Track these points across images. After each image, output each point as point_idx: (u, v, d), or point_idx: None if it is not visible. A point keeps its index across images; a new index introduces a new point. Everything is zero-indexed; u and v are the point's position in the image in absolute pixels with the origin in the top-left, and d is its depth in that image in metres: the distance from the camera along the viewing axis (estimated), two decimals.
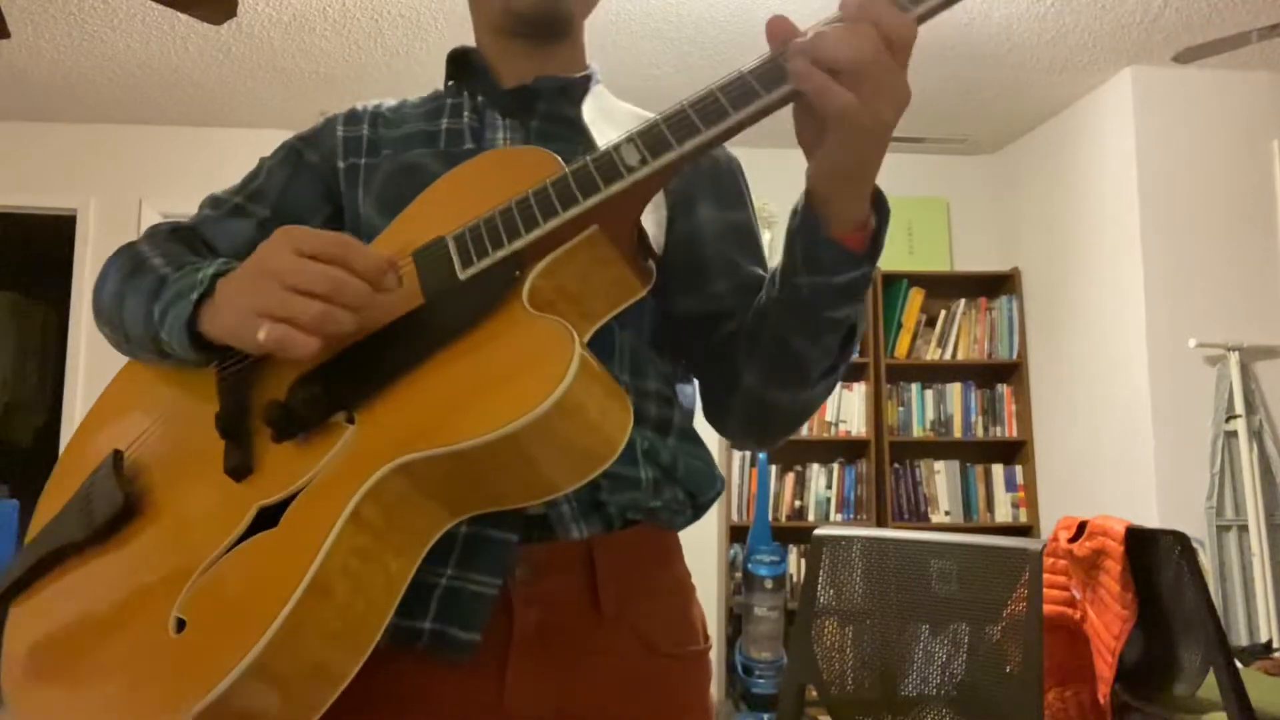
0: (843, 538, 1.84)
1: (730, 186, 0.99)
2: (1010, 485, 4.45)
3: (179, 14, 2.76)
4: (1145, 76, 3.79)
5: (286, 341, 0.68)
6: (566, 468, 0.69)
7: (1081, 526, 1.95)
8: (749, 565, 3.83)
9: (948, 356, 4.49)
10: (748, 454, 4.31)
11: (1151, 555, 1.83)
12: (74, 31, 3.57)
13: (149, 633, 0.70)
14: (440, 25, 3.50)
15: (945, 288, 4.55)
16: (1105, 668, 1.84)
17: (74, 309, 4.34)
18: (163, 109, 4.29)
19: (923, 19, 0.68)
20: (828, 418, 4.38)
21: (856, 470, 4.39)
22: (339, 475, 0.69)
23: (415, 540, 0.70)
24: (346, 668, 0.66)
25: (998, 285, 4.58)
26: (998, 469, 4.47)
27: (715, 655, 4.27)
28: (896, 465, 4.41)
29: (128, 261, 0.92)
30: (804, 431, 4.37)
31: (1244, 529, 3.48)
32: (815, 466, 4.38)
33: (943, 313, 4.52)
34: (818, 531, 1.87)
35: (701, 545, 4.37)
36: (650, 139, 0.71)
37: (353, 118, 0.99)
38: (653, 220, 0.87)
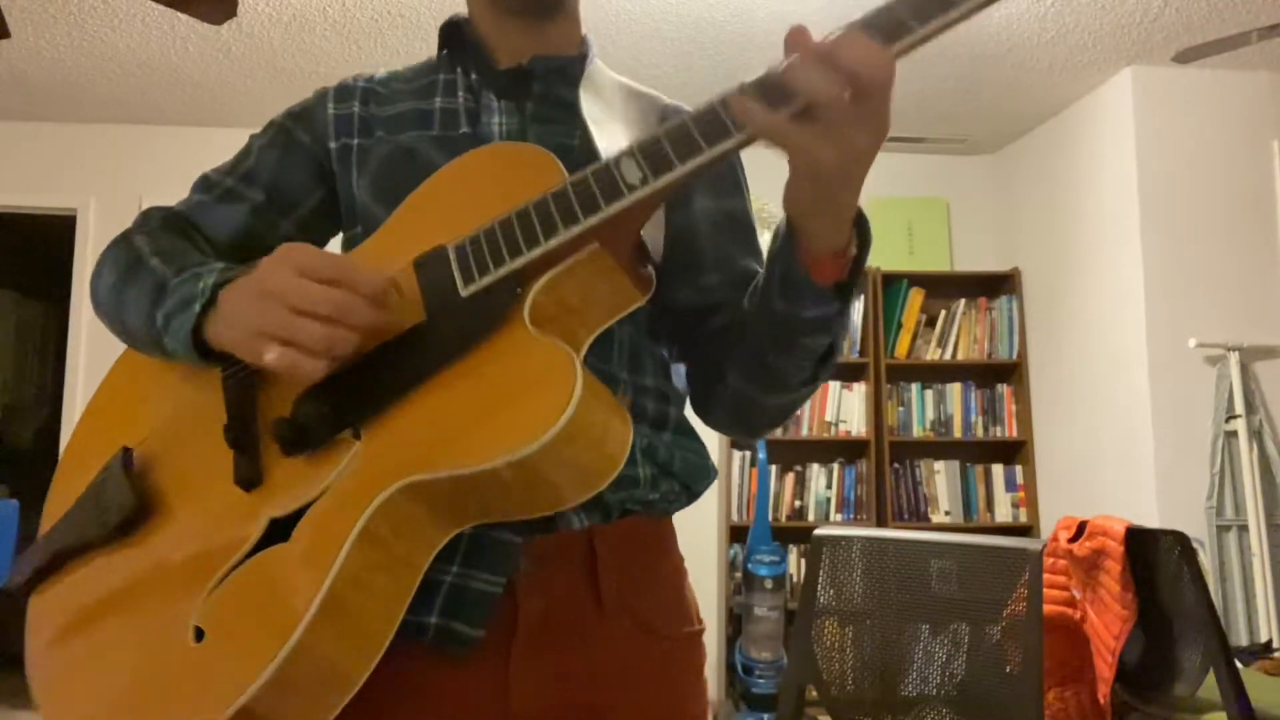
0: (843, 538, 1.84)
1: (727, 174, 0.98)
2: (1010, 485, 4.45)
3: (179, 14, 2.76)
4: (1145, 76, 3.79)
5: (294, 365, 0.70)
6: (570, 486, 0.71)
7: (1081, 526, 1.95)
8: (749, 565, 3.83)
9: (948, 356, 4.49)
10: (748, 454, 4.31)
11: (1151, 555, 1.83)
12: (74, 31, 3.57)
13: (169, 639, 0.72)
14: (440, 25, 3.50)
15: (945, 288, 4.55)
16: (1105, 668, 1.84)
17: (74, 309, 4.34)
18: (163, 109, 4.29)
19: (901, 54, 0.66)
20: (828, 418, 4.38)
21: (856, 470, 4.39)
22: (348, 492, 0.71)
23: (422, 549, 0.72)
24: (359, 671, 0.69)
25: (998, 285, 4.58)
26: (998, 469, 4.47)
27: (715, 655, 4.27)
28: (896, 465, 4.41)
29: (124, 256, 0.91)
30: (804, 431, 4.37)
31: (1244, 529, 3.48)
32: (815, 466, 4.38)
33: (943, 313, 4.52)
34: (818, 531, 1.87)
35: (701, 545, 4.36)
36: (652, 155, 0.69)
37: (344, 93, 0.97)
38: (650, 221, 0.87)
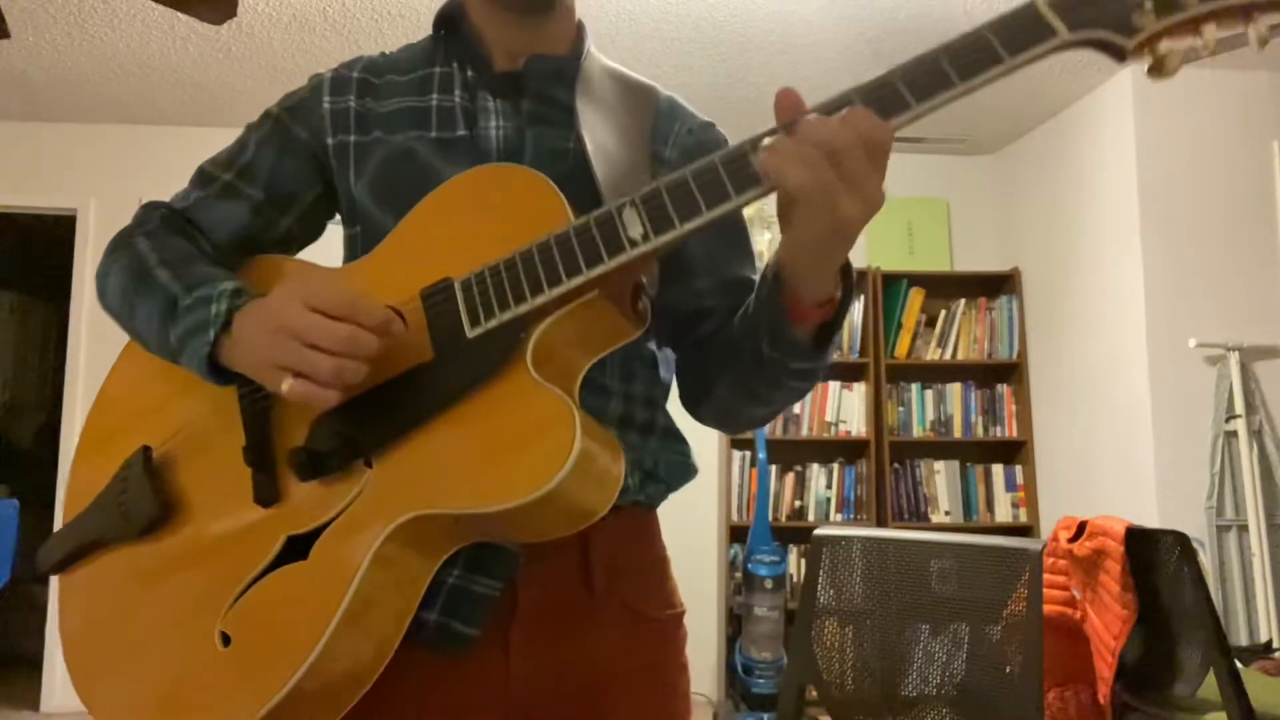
0: (843, 538, 1.84)
1: None
2: (1010, 485, 4.45)
3: (179, 14, 2.76)
4: (1145, 76, 3.78)
5: (309, 397, 0.75)
6: (565, 521, 0.77)
7: (1081, 526, 1.95)
8: (749, 565, 3.83)
9: (948, 356, 4.49)
10: (747, 454, 4.31)
11: (1151, 555, 1.83)
12: (74, 31, 3.57)
13: (197, 642, 0.80)
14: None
15: (945, 288, 4.55)
16: (1105, 668, 1.84)
17: (74, 309, 4.34)
18: (163, 109, 4.29)
19: (899, 127, 0.70)
20: (828, 418, 4.38)
21: (856, 470, 4.39)
22: (361, 519, 0.77)
23: (428, 565, 0.79)
24: (371, 673, 0.77)
25: (998, 285, 4.58)
26: (998, 469, 4.47)
27: (715, 655, 4.27)
28: (896, 465, 4.41)
29: (130, 264, 0.92)
30: (804, 431, 4.37)
31: (1244, 529, 3.48)
32: (815, 466, 4.38)
33: (943, 313, 4.52)
34: (818, 531, 1.87)
35: (701, 545, 4.36)
36: (654, 212, 0.73)
37: (339, 85, 0.97)
38: None
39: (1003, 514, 4.42)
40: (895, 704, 1.74)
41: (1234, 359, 3.56)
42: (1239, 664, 1.82)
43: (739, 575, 4.00)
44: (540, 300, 0.75)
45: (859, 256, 4.51)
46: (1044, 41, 0.68)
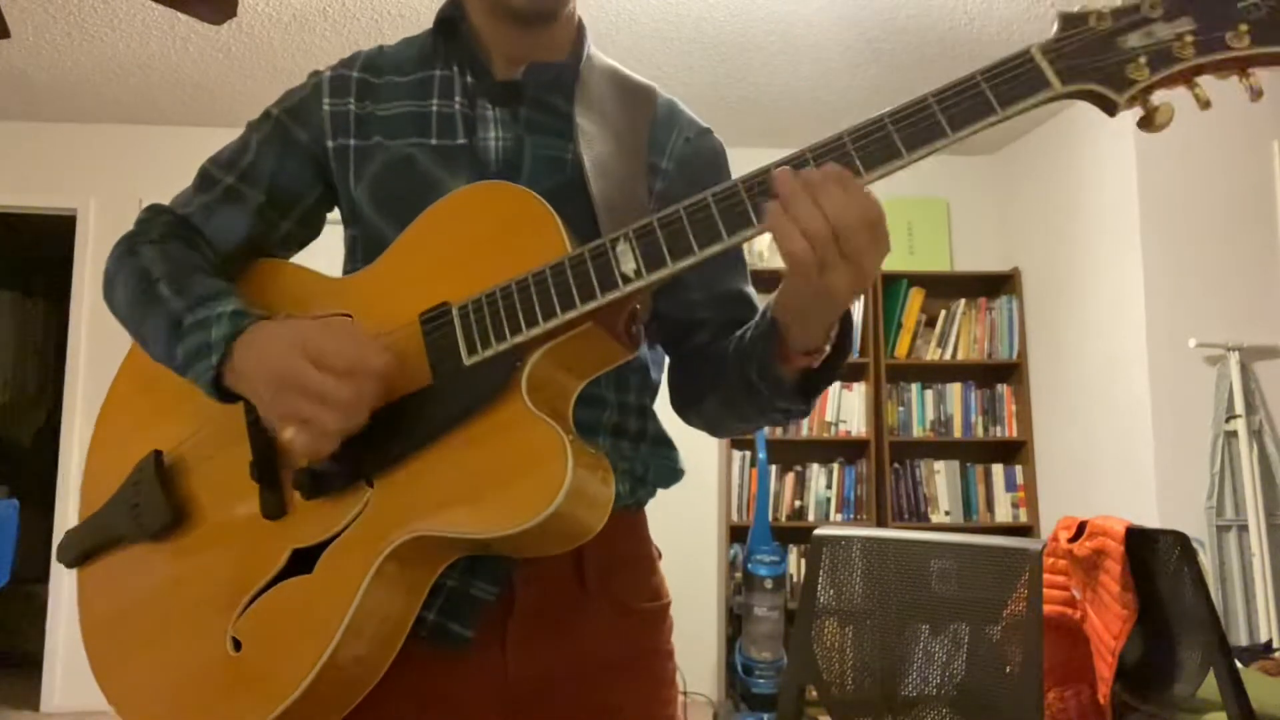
0: (843, 538, 1.84)
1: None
2: (1010, 485, 4.45)
3: (179, 14, 2.76)
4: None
5: (311, 448, 0.78)
6: (557, 543, 0.81)
7: (1081, 526, 1.95)
8: (749, 565, 3.83)
9: (948, 356, 4.49)
10: (747, 454, 4.31)
11: (1151, 555, 1.83)
12: (74, 31, 3.57)
13: (209, 644, 0.84)
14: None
15: (945, 288, 4.55)
16: (1105, 668, 1.84)
17: (74, 309, 4.33)
18: (163, 109, 4.29)
19: (875, 180, 0.74)
20: (828, 418, 4.38)
21: (856, 470, 4.39)
22: (363, 536, 0.81)
23: (426, 578, 0.83)
24: (374, 676, 0.82)
25: (998, 285, 4.58)
26: (998, 469, 4.46)
27: (715, 655, 4.27)
28: (896, 465, 4.41)
29: (134, 276, 0.93)
30: (804, 431, 4.37)
31: (1244, 529, 3.48)
32: (815, 466, 4.38)
33: (943, 313, 4.52)
34: (818, 531, 1.87)
35: (701, 545, 4.36)
36: (647, 248, 0.75)
37: (338, 86, 0.97)
38: None
39: (1003, 514, 4.42)
40: (895, 704, 1.74)
41: (1234, 359, 3.56)
42: (1239, 664, 1.82)
43: (739, 575, 4.00)
44: (535, 332, 0.78)
45: None
46: (1037, 94, 0.70)
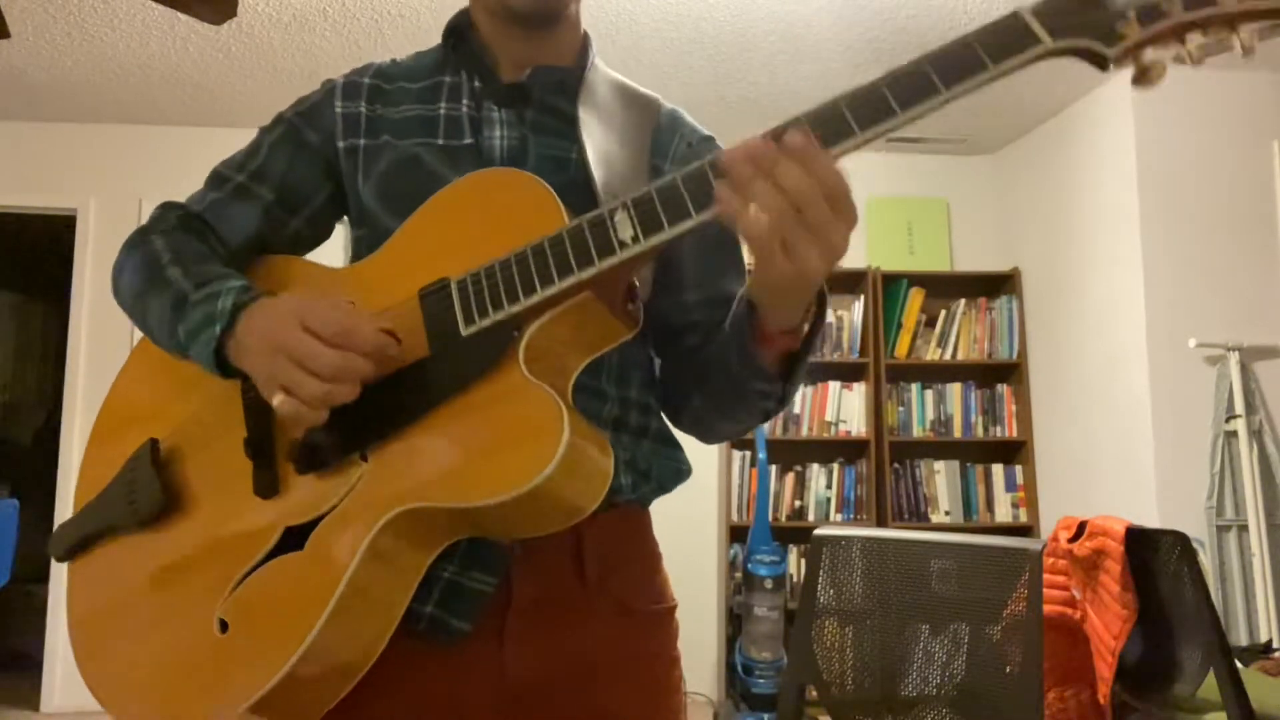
0: (843, 538, 1.84)
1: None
2: (1010, 485, 4.45)
3: (179, 14, 2.76)
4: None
5: (297, 415, 0.78)
6: (554, 518, 0.79)
7: (1081, 526, 1.95)
8: (749, 565, 3.83)
9: (948, 356, 4.49)
10: (748, 454, 4.31)
11: (1151, 555, 1.83)
12: (74, 31, 3.57)
13: (196, 627, 0.82)
14: (440, 26, 3.50)
15: (945, 288, 4.55)
16: (1105, 668, 1.84)
17: (74, 309, 4.33)
18: (163, 109, 4.29)
19: (839, 156, 0.71)
20: (828, 418, 4.38)
21: (856, 470, 4.39)
22: (356, 510, 0.79)
23: (421, 558, 0.81)
24: (364, 662, 0.80)
25: (998, 285, 4.58)
26: (998, 469, 4.46)
27: (715, 655, 4.27)
28: (896, 465, 4.41)
29: (144, 260, 0.95)
30: (804, 431, 4.38)
31: (1244, 529, 3.48)
32: (815, 466, 4.38)
33: (943, 313, 4.52)
34: (818, 531, 1.87)
35: (701, 545, 4.36)
36: (644, 214, 0.75)
37: (351, 90, 1.00)
38: None
39: (1003, 514, 4.42)
40: (895, 704, 1.74)
41: (1234, 359, 3.56)
42: (1239, 664, 1.82)
43: (739, 575, 4.00)
44: (533, 300, 0.77)
45: (859, 257, 4.51)
46: (1027, 50, 0.69)
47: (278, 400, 0.77)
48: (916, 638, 1.74)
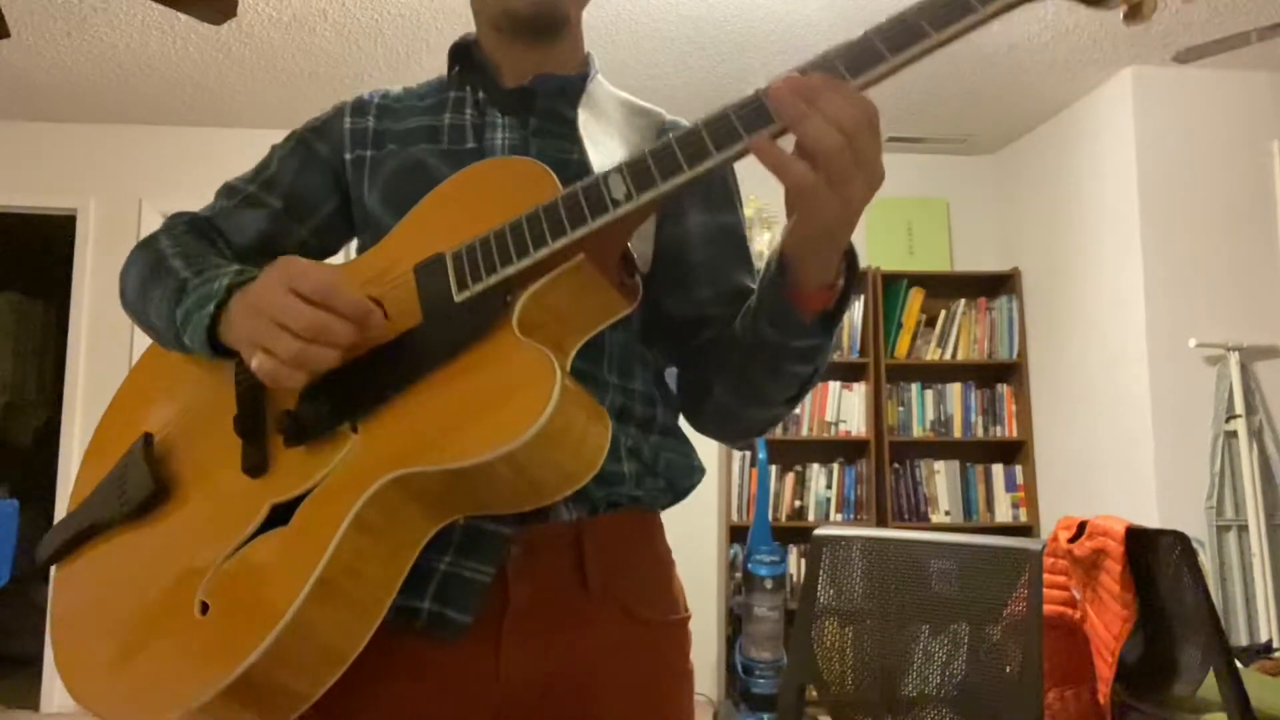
0: (843, 538, 1.84)
1: (719, 188, 1.02)
2: (1010, 485, 4.45)
3: (179, 14, 2.76)
4: (1145, 76, 3.79)
5: (273, 373, 0.76)
6: (549, 485, 0.76)
7: (1081, 526, 1.95)
8: (749, 565, 3.83)
9: (948, 356, 4.49)
10: (747, 454, 4.31)
11: (1151, 555, 1.83)
12: (74, 31, 3.57)
13: (177, 613, 0.79)
14: (440, 25, 3.50)
15: (945, 288, 4.55)
16: (1105, 668, 1.84)
17: (74, 309, 4.33)
18: (163, 109, 4.29)
19: (866, 86, 0.71)
20: (828, 418, 4.38)
21: (856, 470, 4.39)
22: (344, 481, 0.77)
23: (411, 538, 0.78)
24: (350, 649, 0.75)
25: (998, 285, 4.58)
26: (998, 469, 4.46)
27: (715, 655, 4.27)
28: (896, 465, 4.41)
29: (149, 257, 0.97)
30: (804, 431, 4.37)
31: (1244, 529, 3.48)
32: (815, 466, 4.38)
33: (943, 313, 4.52)
34: (818, 531, 1.87)
35: (701, 545, 4.36)
36: (637, 173, 0.74)
37: (360, 108, 1.03)
38: (639, 231, 0.90)
39: (1003, 514, 4.42)
40: (895, 704, 1.74)
41: (1234, 359, 3.56)
42: (1239, 664, 1.82)
43: (739, 575, 3.99)
44: (526, 262, 0.76)
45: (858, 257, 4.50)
46: None
47: (256, 360, 0.76)
48: (916, 638, 1.74)
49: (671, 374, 1.02)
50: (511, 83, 0.99)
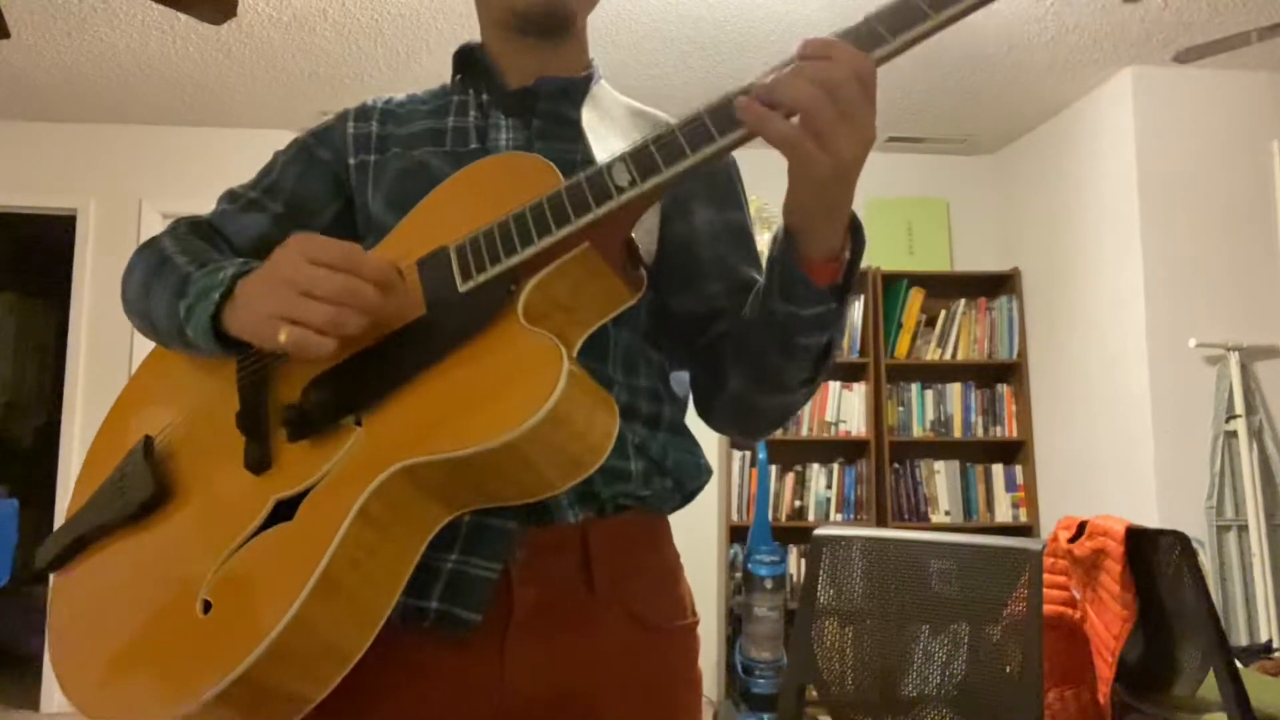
0: (843, 538, 1.84)
1: (725, 185, 1.02)
2: (1010, 485, 4.45)
3: (179, 14, 2.76)
4: (1145, 76, 3.79)
5: (304, 343, 0.74)
6: (556, 472, 0.75)
7: (1081, 526, 1.95)
8: (749, 565, 3.83)
9: (948, 356, 4.49)
10: (747, 454, 4.31)
11: (1151, 555, 1.83)
12: (74, 31, 3.57)
13: (179, 612, 0.78)
14: (440, 25, 3.50)
15: (945, 288, 4.55)
16: (1105, 668, 1.84)
17: (74, 309, 4.33)
18: (163, 109, 4.29)
19: (882, 60, 0.71)
20: (828, 418, 4.38)
21: (856, 470, 4.39)
22: (348, 475, 0.76)
23: (417, 533, 0.77)
24: (355, 648, 0.74)
25: (998, 285, 4.58)
26: (998, 469, 4.47)
27: (715, 655, 4.27)
28: (896, 465, 4.41)
29: (152, 256, 0.97)
30: (804, 431, 4.37)
31: (1244, 529, 3.48)
32: (815, 466, 4.38)
33: (943, 313, 4.52)
34: (818, 531, 1.87)
35: (701, 545, 4.36)
36: (640, 160, 0.74)
37: (363, 114, 1.03)
38: (643, 226, 0.90)
39: (1003, 514, 4.42)
40: (895, 704, 1.74)
41: (1234, 359, 3.56)
42: (1239, 664, 1.82)
43: (739, 575, 4.00)
44: (530, 251, 0.76)
45: None
46: None
47: (284, 333, 0.74)
48: (916, 638, 1.74)
49: (680, 379, 1.01)
50: (515, 84, 0.99)
